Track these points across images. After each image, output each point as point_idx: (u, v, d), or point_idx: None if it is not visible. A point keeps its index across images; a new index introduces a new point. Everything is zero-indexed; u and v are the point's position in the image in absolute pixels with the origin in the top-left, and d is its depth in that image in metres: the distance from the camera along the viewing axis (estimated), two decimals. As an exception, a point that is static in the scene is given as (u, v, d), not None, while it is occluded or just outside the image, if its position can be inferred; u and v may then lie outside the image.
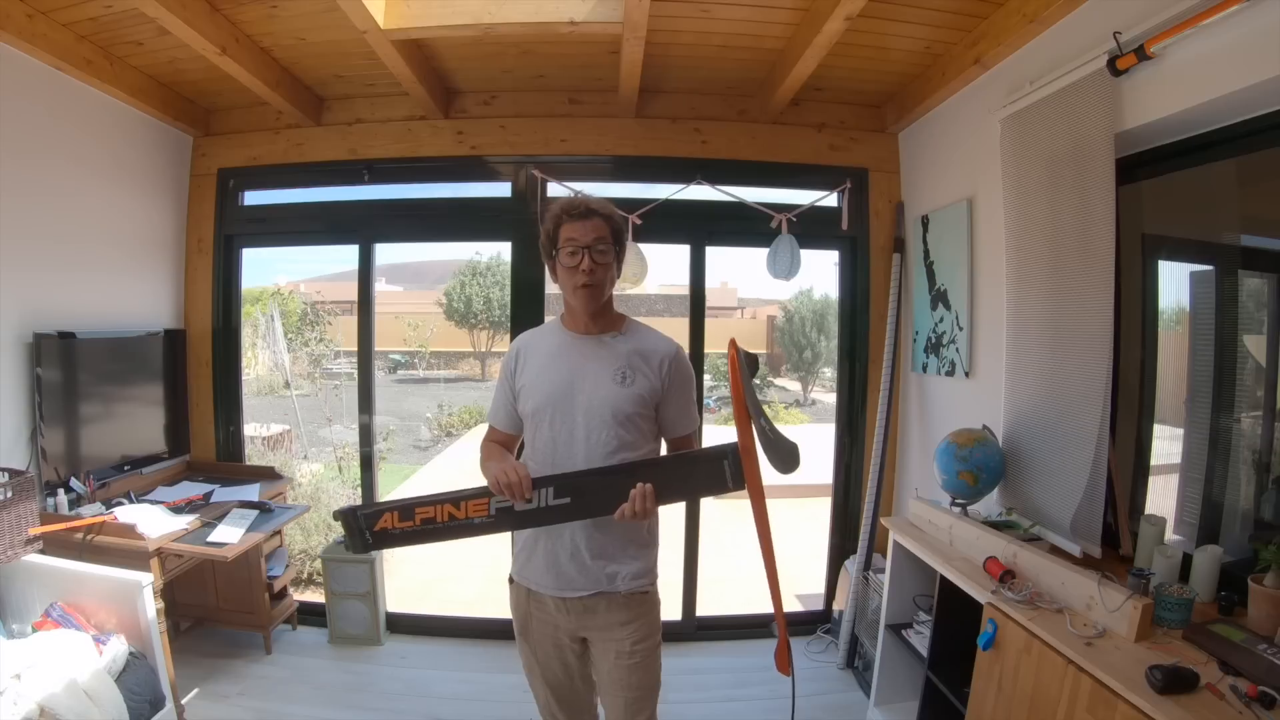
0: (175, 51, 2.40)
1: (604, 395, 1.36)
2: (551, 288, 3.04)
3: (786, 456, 1.25)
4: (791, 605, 3.56)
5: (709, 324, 3.02)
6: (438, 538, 1.35)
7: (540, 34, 2.21)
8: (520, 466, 1.30)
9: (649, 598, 1.45)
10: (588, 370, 1.39)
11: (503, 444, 1.51)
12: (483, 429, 1.59)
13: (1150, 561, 1.60)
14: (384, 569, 2.99)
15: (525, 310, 2.96)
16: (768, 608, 3.36)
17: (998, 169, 2.12)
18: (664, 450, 1.49)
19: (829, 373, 13.39)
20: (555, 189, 2.90)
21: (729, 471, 1.33)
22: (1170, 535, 1.74)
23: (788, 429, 1.44)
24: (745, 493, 1.36)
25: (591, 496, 1.31)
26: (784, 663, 1.49)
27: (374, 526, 1.34)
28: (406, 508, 1.33)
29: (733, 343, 1.37)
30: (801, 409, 12.56)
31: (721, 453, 1.33)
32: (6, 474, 1.99)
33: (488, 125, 2.89)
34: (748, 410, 1.31)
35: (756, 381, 1.37)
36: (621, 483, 1.28)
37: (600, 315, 1.43)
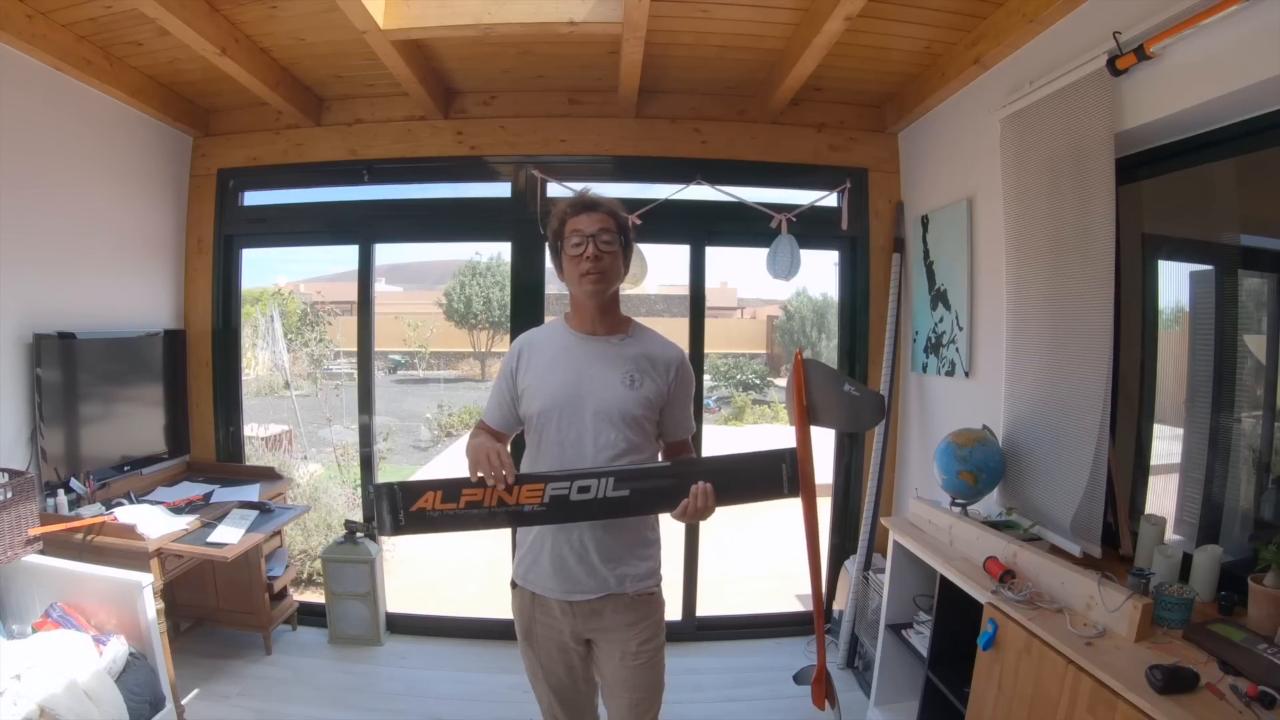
0: (175, 52, 2.40)
1: (613, 398, 1.36)
2: (551, 288, 3.07)
3: (875, 409, 1.35)
4: (791, 605, 3.56)
5: (709, 324, 3.02)
6: (479, 525, 1.25)
7: (540, 34, 2.21)
8: (505, 454, 1.26)
9: (655, 598, 1.45)
10: (596, 373, 1.38)
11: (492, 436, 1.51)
12: None
13: (1150, 561, 1.60)
14: (384, 569, 2.99)
15: (525, 310, 2.96)
16: (768, 608, 3.38)
17: (997, 169, 2.12)
18: (660, 456, 1.48)
19: (829, 373, 13.37)
20: (555, 189, 2.90)
21: (786, 475, 1.31)
22: (1170, 535, 1.74)
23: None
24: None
25: (652, 492, 1.28)
26: (820, 695, 1.48)
27: (411, 506, 1.24)
28: (452, 488, 1.23)
29: (799, 352, 1.41)
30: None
31: (780, 456, 1.31)
32: (6, 474, 1.99)
33: (488, 125, 2.89)
34: (806, 420, 1.34)
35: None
36: (679, 480, 1.27)
37: (607, 315, 1.42)
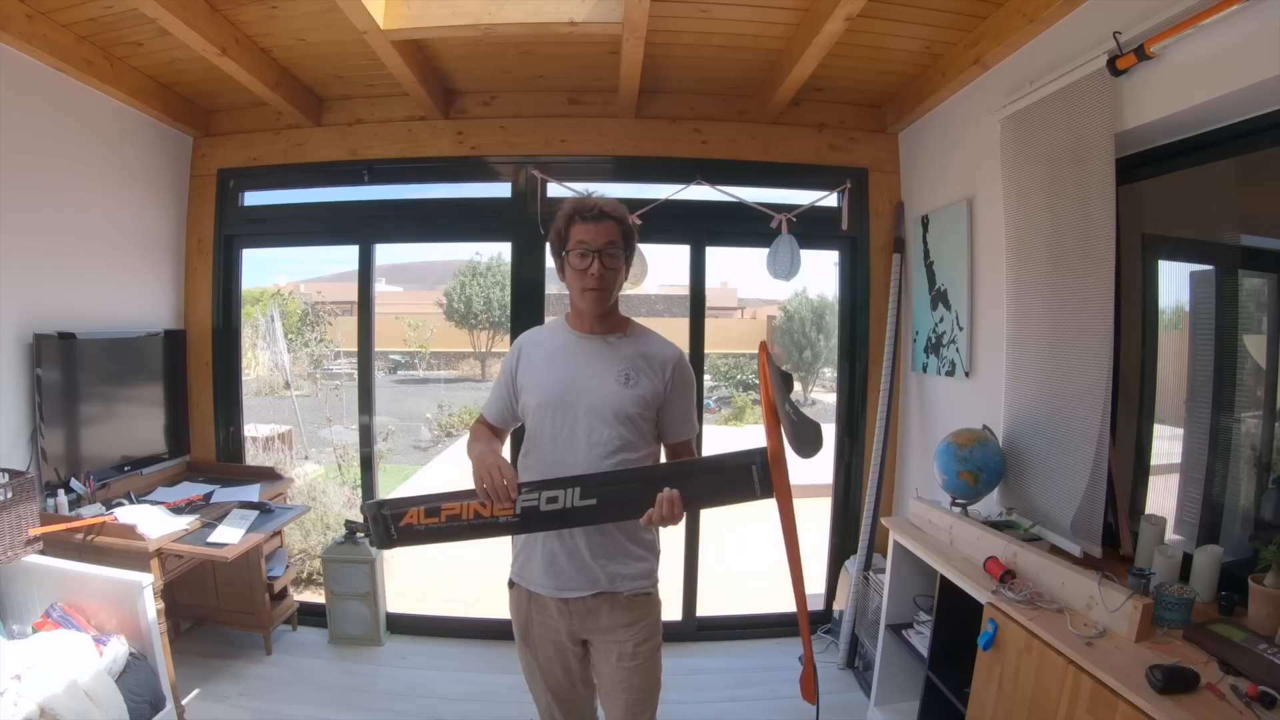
0: (175, 52, 2.40)
1: (607, 395, 1.37)
2: (551, 288, 3.07)
3: (810, 438, 1.21)
4: (792, 605, 3.55)
5: (709, 324, 3.02)
6: (462, 536, 1.32)
7: (540, 34, 2.21)
8: (508, 467, 1.29)
9: (651, 599, 1.45)
10: (591, 370, 1.39)
11: (490, 431, 1.53)
12: None
13: (1150, 561, 1.60)
14: (384, 569, 2.99)
15: (525, 310, 2.96)
16: (768, 608, 3.39)
17: (998, 169, 2.12)
18: (663, 457, 1.48)
19: (829, 373, 13.39)
20: (555, 189, 2.90)
21: (757, 478, 1.29)
22: (1170, 535, 1.74)
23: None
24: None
25: (618, 499, 1.28)
26: (810, 690, 1.47)
27: (400, 522, 1.32)
28: (433, 504, 1.31)
29: (763, 345, 1.37)
30: (802, 409, 12.53)
31: (750, 458, 1.29)
32: (6, 474, 1.99)
33: (488, 125, 2.89)
34: (777, 415, 1.28)
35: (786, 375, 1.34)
36: (648, 487, 1.26)
37: (606, 316, 1.43)
